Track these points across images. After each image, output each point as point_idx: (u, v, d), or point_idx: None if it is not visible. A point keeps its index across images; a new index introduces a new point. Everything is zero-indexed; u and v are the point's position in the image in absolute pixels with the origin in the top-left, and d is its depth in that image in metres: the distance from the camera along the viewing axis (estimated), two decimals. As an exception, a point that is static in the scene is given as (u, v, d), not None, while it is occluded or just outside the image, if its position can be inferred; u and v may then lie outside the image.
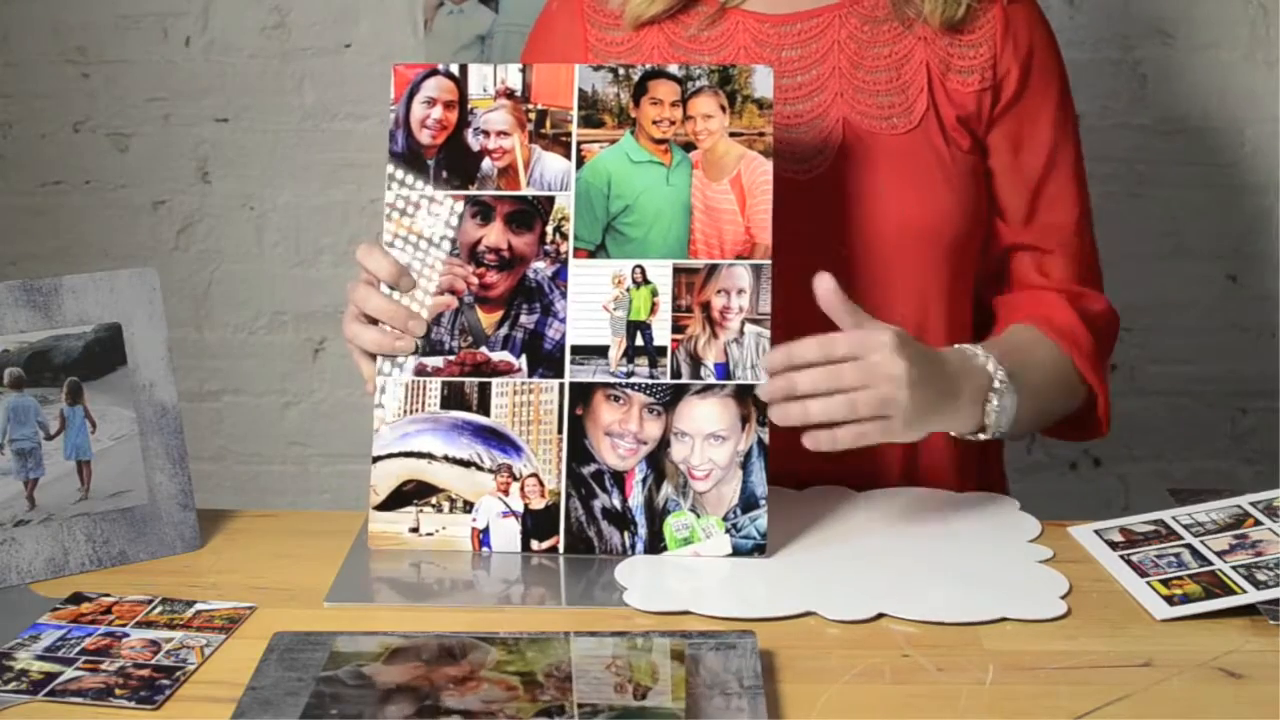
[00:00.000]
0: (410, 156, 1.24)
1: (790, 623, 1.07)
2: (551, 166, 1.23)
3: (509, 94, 1.24)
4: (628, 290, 1.21)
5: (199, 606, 1.11)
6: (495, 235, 1.22)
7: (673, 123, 1.23)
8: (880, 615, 1.08)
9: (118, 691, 0.98)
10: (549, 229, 1.22)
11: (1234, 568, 1.12)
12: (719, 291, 1.20)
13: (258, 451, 2.26)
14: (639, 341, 1.20)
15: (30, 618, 1.10)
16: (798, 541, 1.20)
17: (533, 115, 1.24)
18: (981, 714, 0.95)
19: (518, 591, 1.15)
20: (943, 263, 1.34)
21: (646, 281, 1.21)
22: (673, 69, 1.23)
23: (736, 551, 1.17)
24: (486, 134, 1.23)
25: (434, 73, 1.25)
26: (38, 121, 2.15)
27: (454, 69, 1.25)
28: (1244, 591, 1.09)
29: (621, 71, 1.23)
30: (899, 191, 1.32)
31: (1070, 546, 1.20)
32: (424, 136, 1.24)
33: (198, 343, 2.20)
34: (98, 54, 2.13)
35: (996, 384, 1.24)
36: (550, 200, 1.22)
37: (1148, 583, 1.12)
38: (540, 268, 1.22)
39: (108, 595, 1.13)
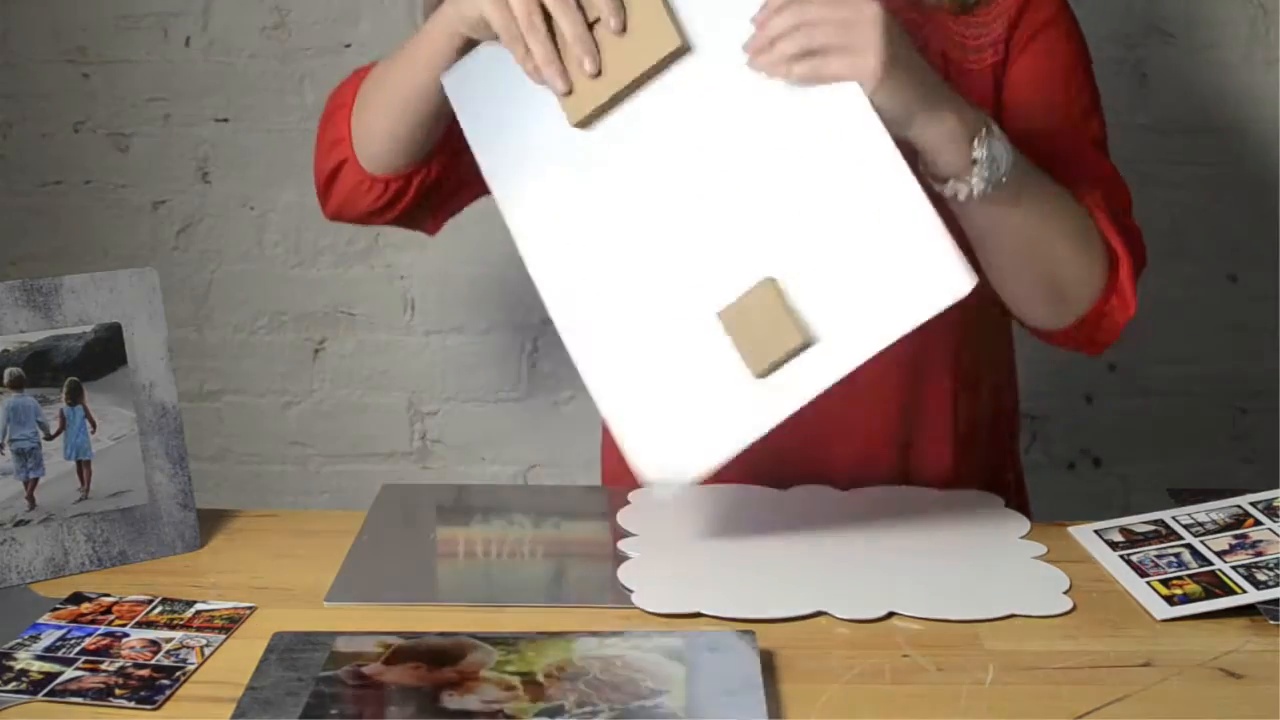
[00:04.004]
0: None
1: (789, 622, 1.07)
2: None
3: None
4: None
5: (199, 606, 1.11)
6: None
7: None
8: (891, 614, 1.08)
9: (118, 691, 0.98)
10: None
11: (1234, 568, 1.12)
12: None
13: (258, 451, 2.26)
14: None
15: (30, 618, 1.09)
16: (796, 542, 1.20)
17: None
18: (981, 714, 0.95)
19: (518, 591, 1.15)
20: None
21: None
22: None
23: None
24: None
25: None
26: (38, 121, 2.15)
27: None
28: (1244, 591, 1.09)
29: None
30: None
31: (1070, 546, 1.20)
32: None
33: (198, 343, 2.20)
34: (98, 54, 2.13)
35: (991, 129, 1.15)
36: None
37: (1148, 583, 1.12)
38: None
39: (108, 595, 1.13)
